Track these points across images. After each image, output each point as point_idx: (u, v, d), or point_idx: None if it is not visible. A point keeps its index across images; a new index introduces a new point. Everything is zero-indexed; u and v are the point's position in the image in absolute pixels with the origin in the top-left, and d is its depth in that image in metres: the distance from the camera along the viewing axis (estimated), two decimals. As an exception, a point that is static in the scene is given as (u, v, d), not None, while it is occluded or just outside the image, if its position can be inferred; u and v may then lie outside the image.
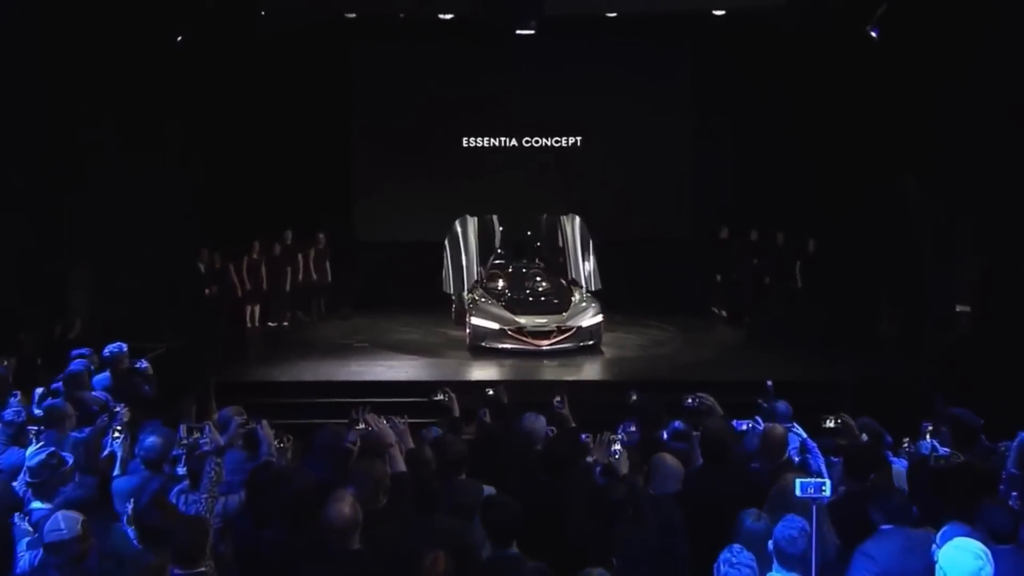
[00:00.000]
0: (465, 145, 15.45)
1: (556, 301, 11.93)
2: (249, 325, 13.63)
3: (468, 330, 11.67)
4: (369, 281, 14.99)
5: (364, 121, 15.36)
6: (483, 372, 11.09)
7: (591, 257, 12.74)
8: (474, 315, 11.51)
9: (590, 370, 11.27)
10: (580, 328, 11.55)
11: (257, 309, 13.78)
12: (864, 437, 5.51)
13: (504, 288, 12.36)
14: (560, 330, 11.43)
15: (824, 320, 12.72)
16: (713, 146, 14.88)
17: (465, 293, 12.34)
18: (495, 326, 11.41)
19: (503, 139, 15.46)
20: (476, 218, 12.91)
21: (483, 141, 15.48)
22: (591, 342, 11.67)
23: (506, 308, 11.64)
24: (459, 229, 12.65)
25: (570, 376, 10.90)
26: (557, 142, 15.45)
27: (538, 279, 12.70)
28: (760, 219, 14.21)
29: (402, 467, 4.83)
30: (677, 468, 4.81)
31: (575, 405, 6.19)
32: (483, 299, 11.90)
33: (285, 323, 13.84)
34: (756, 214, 14.32)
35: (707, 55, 14.84)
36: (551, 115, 15.24)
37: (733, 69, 14.48)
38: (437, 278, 13.29)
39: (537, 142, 15.44)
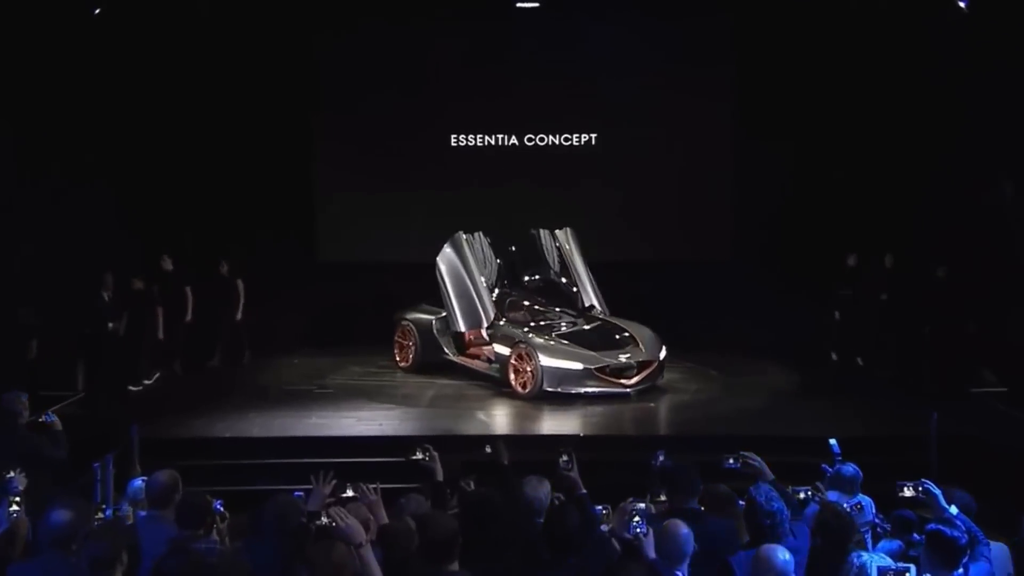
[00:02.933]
0: (454, 144, 15.47)
1: (616, 332, 12.33)
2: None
3: (519, 375, 11.88)
4: (334, 312, 14.94)
5: (329, 116, 15.36)
6: (476, 424, 11.09)
7: (592, 278, 13.05)
8: (545, 355, 11.71)
9: (606, 422, 11.24)
10: (659, 362, 12.09)
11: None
12: (953, 510, 5.42)
13: (536, 319, 12.62)
14: (642, 366, 11.90)
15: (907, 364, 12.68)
16: (762, 145, 14.86)
17: (484, 330, 12.44)
18: (578, 366, 11.69)
19: (501, 137, 15.48)
20: (473, 235, 12.88)
21: (476, 139, 15.51)
22: (662, 378, 12.25)
23: (578, 344, 11.95)
24: (454, 251, 12.58)
25: (581, 429, 10.90)
26: (567, 140, 15.47)
27: (551, 308, 12.96)
28: (820, 238, 14.24)
29: (376, 572, 4.67)
30: (679, 537, 4.73)
31: (587, 466, 6.11)
32: (542, 336, 12.09)
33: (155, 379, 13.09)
34: (815, 232, 14.34)
35: (755, 33, 14.86)
36: (560, 107, 15.26)
37: (788, 51, 14.52)
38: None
39: (542, 140, 15.46)
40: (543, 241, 13.38)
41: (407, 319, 13.28)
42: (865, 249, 13.97)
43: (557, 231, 13.23)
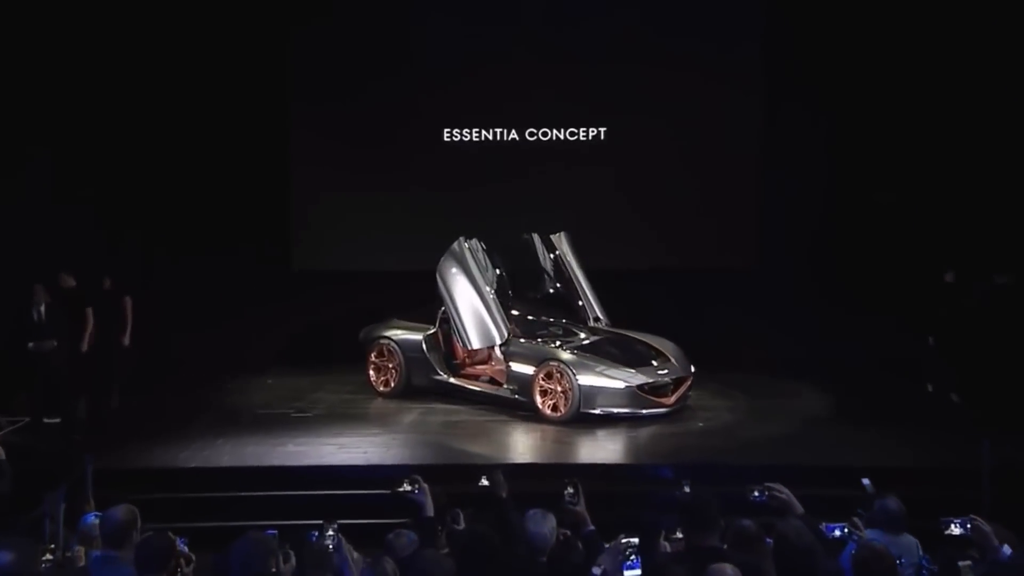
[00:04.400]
0: (447, 139, 15.49)
1: (636, 345, 12.61)
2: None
3: (547, 396, 11.99)
4: (312, 327, 14.93)
5: (306, 107, 15.36)
6: (471, 452, 11.09)
7: (592, 287, 13.22)
8: (582, 372, 11.83)
9: (617, 448, 11.31)
10: (692, 378, 12.40)
11: None
12: (1006, 550, 5.41)
13: (534, 333, 12.76)
14: (677, 382, 12.23)
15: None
16: (793, 140, 14.89)
17: (497, 349, 12.52)
18: (619, 385, 11.88)
19: (500, 131, 15.48)
20: (475, 241, 12.85)
21: (472, 134, 15.51)
22: (690, 397, 12.43)
23: (612, 361, 12.13)
24: (456, 262, 12.55)
25: (588, 457, 10.99)
26: (573, 135, 15.47)
27: (546, 319, 13.13)
28: (866, 245, 14.28)
29: None
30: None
31: (596, 498, 6.11)
32: (570, 351, 12.26)
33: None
34: (859, 238, 14.38)
35: (788, 10, 14.86)
36: (566, 98, 15.26)
37: (825, 30, 14.53)
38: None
39: (546, 135, 15.46)
40: (537, 247, 13.43)
41: (386, 337, 13.25)
42: (962, 263, 13.54)
43: (551, 235, 13.28)
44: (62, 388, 12.35)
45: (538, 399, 12.02)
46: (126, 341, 12.95)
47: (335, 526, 5.69)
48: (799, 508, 5.83)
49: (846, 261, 14.63)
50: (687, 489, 6.37)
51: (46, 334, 12.24)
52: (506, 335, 12.36)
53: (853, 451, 10.73)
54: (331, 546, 5.58)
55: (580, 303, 13.14)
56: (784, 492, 5.93)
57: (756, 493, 5.94)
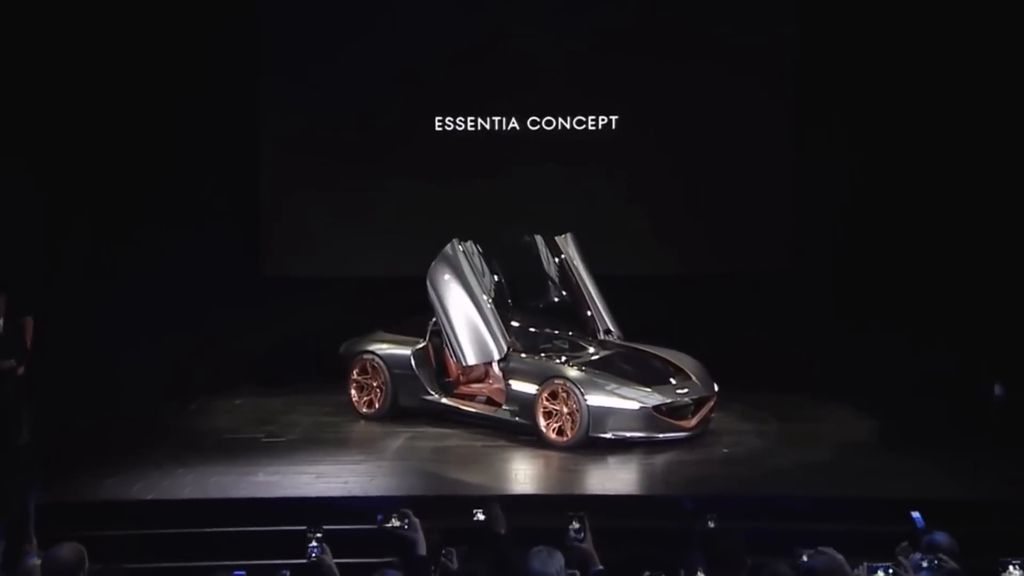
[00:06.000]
0: (439, 129, 15.49)
1: (653, 361, 12.66)
2: None
3: (551, 419, 11.97)
4: (286, 340, 14.96)
5: (278, 90, 15.36)
6: (468, 482, 11.08)
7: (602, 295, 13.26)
8: (592, 392, 11.81)
9: (630, 477, 11.36)
10: (715, 398, 12.44)
11: None
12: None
13: (536, 347, 12.85)
14: (699, 403, 12.22)
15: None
16: (830, 127, 14.93)
17: (495, 365, 12.53)
18: (634, 406, 11.86)
19: (498, 119, 15.48)
20: (471, 243, 12.84)
21: (467, 123, 15.52)
22: (713, 419, 12.46)
23: (625, 378, 12.16)
24: (449, 266, 12.56)
25: (598, 487, 11.02)
26: (581, 124, 15.46)
27: (549, 331, 13.20)
28: (904, 248, 14.30)
29: None
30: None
31: (605, 534, 6.10)
32: (577, 367, 12.27)
33: None
34: (900, 243, 14.39)
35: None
36: (573, 83, 15.28)
37: (864, 17, 14.58)
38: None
39: (550, 124, 15.46)
40: (541, 250, 13.44)
41: (370, 351, 13.24)
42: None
43: (557, 237, 13.30)
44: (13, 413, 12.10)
45: (541, 422, 12.01)
46: (20, 370, 12.00)
47: (319, 535, 5.69)
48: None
49: (889, 267, 14.62)
50: (711, 524, 6.36)
51: (4, 352, 12.03)
52: (505, 349, 12.36)
53: (897, 481, 10.71)
54: (313, 555, 5.58)
55: (589, 313, 13.15)
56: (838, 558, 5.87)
57: (805, 559, 5.86)
